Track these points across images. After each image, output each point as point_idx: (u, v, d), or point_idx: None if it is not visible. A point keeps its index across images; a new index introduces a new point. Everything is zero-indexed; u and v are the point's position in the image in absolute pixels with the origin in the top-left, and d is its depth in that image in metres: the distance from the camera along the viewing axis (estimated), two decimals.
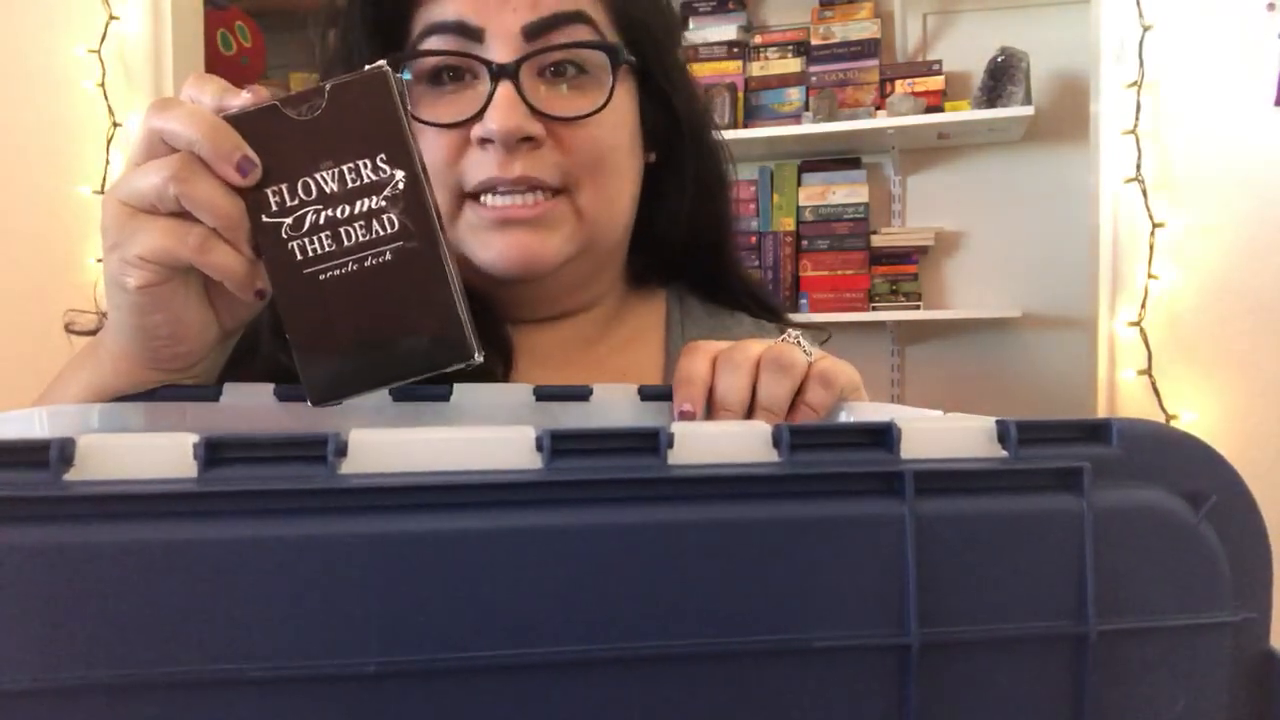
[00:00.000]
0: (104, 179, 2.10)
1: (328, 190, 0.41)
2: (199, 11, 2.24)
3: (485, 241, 0.58)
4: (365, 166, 0.41)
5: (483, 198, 0.58)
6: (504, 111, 0.55)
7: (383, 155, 0.41)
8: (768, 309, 0.74)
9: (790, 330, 0.73)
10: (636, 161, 0.64)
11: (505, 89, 0.56)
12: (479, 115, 0.56)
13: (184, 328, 0.45)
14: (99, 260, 1.93)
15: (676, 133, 0.66)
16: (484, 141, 0.57)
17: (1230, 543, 0.30)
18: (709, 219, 0.70)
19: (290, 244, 0.41)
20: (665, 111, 0.65)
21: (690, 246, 0.70)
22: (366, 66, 0.42)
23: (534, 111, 0.56)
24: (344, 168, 0.41)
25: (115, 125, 2.09)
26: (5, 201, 2.08)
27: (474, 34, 0.57)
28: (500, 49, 0.57)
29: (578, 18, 0.58)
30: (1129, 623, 0.29)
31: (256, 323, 0.53)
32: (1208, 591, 0.30)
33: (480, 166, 0.57)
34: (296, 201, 0.41)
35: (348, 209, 0.41)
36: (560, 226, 0.59)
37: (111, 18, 2.08)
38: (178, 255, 0.42)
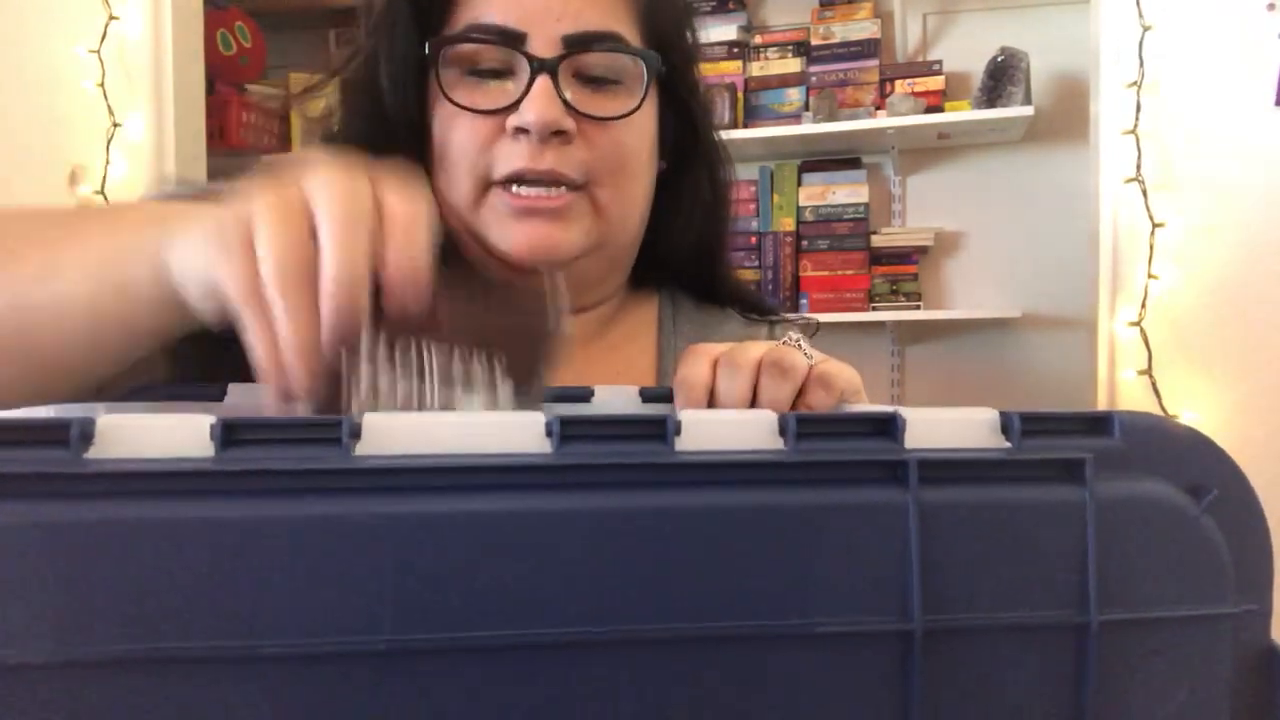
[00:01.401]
0: (104, 179, 2.10)
1: (427, 366, 0.38)
2: (199, 12, 2.25)
3: (507, 229, 0.60)
4: (478, 362, 0.39)
5: (511, 187, 0.59)
6: (542, 103, 0.57)
7: (505, 364, 0.39)
8: (756, 308, 0.76)
9: (790, 333, 0.74)
10: (653, 169, 0.66)
11: (544, 82, 0.58)
12: (515, 105, 0.58)
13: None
14: None
15: (691, 146, 0.68)
16: (519, 131, 0.58)
17: (1231, 535, 0.30)
18: (710, 228, 0.72)
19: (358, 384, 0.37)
20: (683, 125, 0.67)
21: (690, 252, 0.72)
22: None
23: (569, 109, 0.58)
24: (458, 353, 0.39)
25: (115, 125, 2.09)
26: (5, 202, 2.08)
27: (516, 38, 0.58)
28: (542, 50, 0.58)
29: (615, 38, 0.60)
30: (1131, 613, 0.29)
31: None
32: (1209, 583, 0.30)
33: (512, 157, 0.59)
34: (392, 357, 0.38)
35: (432, 387, 0.38)
36: (580, 220, 0.61)
37: (111, 18, 2.09)
38: (263, 350, 0.35)
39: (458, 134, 0.60)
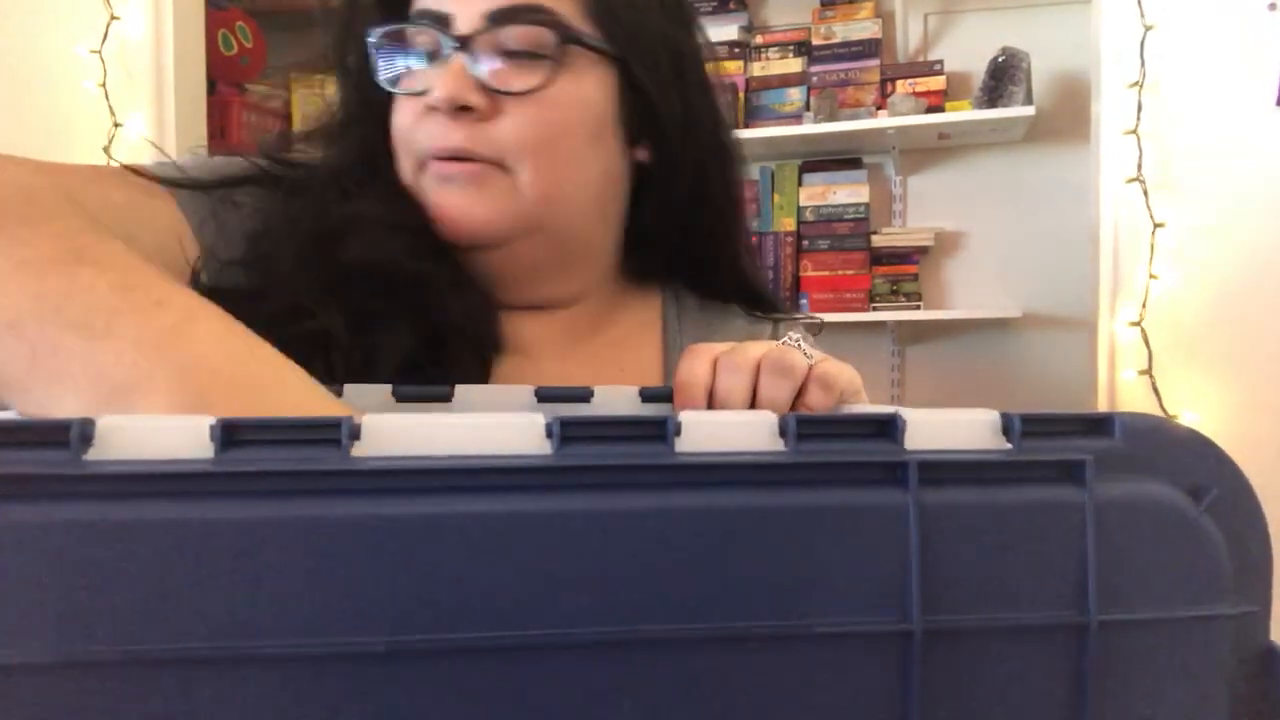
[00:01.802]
0: None
1: None
2: (200, 12, 2.25)
3: (432, 198, 0.61)
4: None
5: (434, 161, 0.61)
6: (445, 80, 0.58)
7: None
8: (762, 304, 0.75)
9: (791, 334, 0.74)
10: (602, 151, 0.64)
11: (452, 60, 0.59)
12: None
13: None
14: None
15: (664, 136, 0.65)
16: (431, 109, 0.60)
17: (1232, 536, 0.30)
18: (707, 219, 0.70)
19: None
20: (654, 112, 0.64)
21: (688, 245, 0.71)
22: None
23: (480, 86, 0.59)
24: None
25: (116, 125, 2.09)
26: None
27: (442, 20, 0.60)
28: (465, 29, 0.59)
29: (537, 10, 0.60)
30: (1130, 614, 0.29)
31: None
32: (1208, 584, 0.30)
33: (429, 134, 0.60)
34: None
35: None
36: (492, 190, 0.60)
37: (112, 18, 2.09)
38: None
39: (396, 116, 0.62)
